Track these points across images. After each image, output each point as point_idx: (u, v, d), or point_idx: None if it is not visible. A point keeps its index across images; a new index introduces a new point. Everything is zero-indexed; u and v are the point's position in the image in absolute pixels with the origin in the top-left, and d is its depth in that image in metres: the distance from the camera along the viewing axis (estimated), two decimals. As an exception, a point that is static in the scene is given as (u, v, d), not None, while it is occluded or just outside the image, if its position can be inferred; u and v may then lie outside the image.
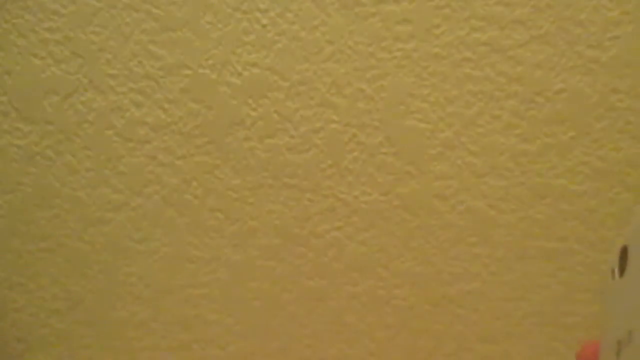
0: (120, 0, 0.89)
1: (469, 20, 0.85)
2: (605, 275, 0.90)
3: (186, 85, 0.90)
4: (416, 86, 0.87)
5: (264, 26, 0.88)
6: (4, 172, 0.93)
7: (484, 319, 0.90)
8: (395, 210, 0.89)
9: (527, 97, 0.86)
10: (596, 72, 0.84)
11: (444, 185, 0.88)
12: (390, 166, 0.89)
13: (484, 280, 0.90)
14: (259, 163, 0.90)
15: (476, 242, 0.89)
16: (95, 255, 0.94)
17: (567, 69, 0.85)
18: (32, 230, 0.94)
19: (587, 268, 0.88)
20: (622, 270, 0.42)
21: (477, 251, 0.89)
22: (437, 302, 0.91)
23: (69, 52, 0.90)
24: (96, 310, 0.95)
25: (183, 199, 0.92)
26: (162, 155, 0.91)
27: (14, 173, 0.93)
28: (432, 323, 0.91)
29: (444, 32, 0.86)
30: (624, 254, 0.42)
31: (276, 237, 0.92)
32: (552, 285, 0.89)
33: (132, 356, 0.96)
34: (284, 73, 0.88)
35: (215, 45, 0.89)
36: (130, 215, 0.93)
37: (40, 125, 0.92)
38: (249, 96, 0.89)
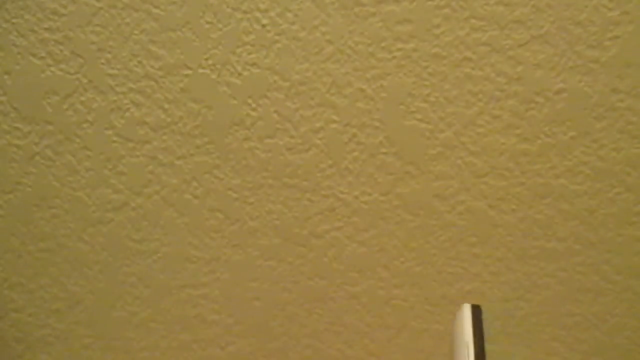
0: (120, 0, 0.89)
1: (469, 20, 0.85)
2: (605, 275, 0.91)
3: (186, 85, 0.90)
4: (416, 86, 0.87)
5: (264, 26, 0.88)
6: (4, 172, 0.93)
7: (484, 319, 0.90)
8: (395, 210, 0.89)
9: (527, 97, 0.86)
10: (596, 72, 0.84)
11: (444, 185, 0.88)
12: (390, 166, 0.89)
13: (484, 280, 0.90)
14: (259, 163, 0.90)
15: (476, 242, 0.89)
16: (95, 255, 0.94)
17: (567, 69, 0.85)
18: (32, 230, 0.94)
19: (587, 268, 0.88)
20: None
21: (477, 251, 0.89)
22: (437, 302, 0.91)
23: (69, 52, 0.90)
24: (96, 310, 0.95)
25: (183, 199, 0.92)
26: (162, 155, 0.91)
27: (14, 173, 0.93)
28: (432, 323, 0.91)
29: (444, 32, 0.86)
30: None
31: (276, 237, 0.92)
32: (552, 285, 0.89)
33: (132, 356, 0.96)
34: (284, 73, 0.88)
35: (215, 45, 0.89)
36: (130, 215, 0.93)
37: (40, 125, 0.92)
38: (249, 96, 0.89)
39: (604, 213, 0.87)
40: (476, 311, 0.65)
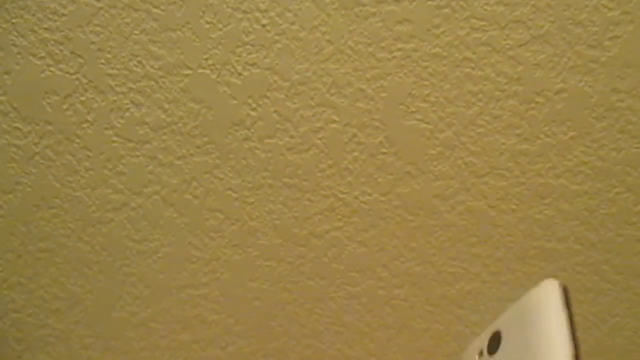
0: (120, 0, 0.89)
1: (469, 20, 0.85)
2: (605, 275, 0.91)
3: (186, 85, 0.90)
4: (416, 86, 0.87)
5: (264, 26, 0.88)
6: (4, 172, 0.93)
7: (484, 319, 0.90)
8: (395, 210, 0.89)
9: (527, 97, 0.86)
10: (596, 72, 0.84)
11: (444, 185, 0.88)
12: (390, 166, 0.89)
13: (484, 280, 0.90)
14: (259, 163, 0.90)
15: (476, 242, 0.89)
16: (95, 255, 0.94)
17: (567, 69, 0.85)
18: (32, 230, 0.94)
19: (587, 268, 0.88)
20: (491, 351, 0.49)
21: (477, 251, 0.89)
22: (437, 302, 0.91)
23: (69, 52, 0.90)
24: (96, 310, 0.95)
25: (183, 199, 0.92)
26: (162, 155, 0.91)
27: (14, 173, 0.93)
28: (432, 323, 0.91)
29: (444, 32, 0.86)
30: (495, 337, 0.49)
31: (276, 237, 0.92)
32: (552, 285, 0.89)
33: (132, 356, 0.96)
34: (284, 73, 0.88)
35: (215, 45, 0.89)
36: (130, 215, 0.93)
37: (40, 125, 0.92)
38: (249, 96, 0.89)
39: (604, 213, 0.87)
40: (564, 290, 0.52)
